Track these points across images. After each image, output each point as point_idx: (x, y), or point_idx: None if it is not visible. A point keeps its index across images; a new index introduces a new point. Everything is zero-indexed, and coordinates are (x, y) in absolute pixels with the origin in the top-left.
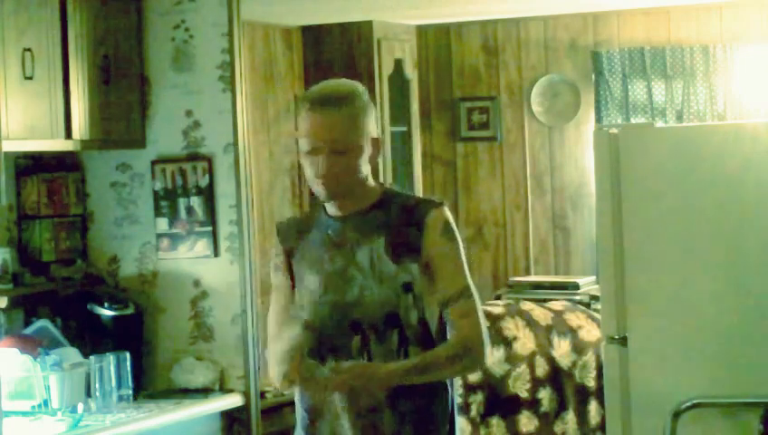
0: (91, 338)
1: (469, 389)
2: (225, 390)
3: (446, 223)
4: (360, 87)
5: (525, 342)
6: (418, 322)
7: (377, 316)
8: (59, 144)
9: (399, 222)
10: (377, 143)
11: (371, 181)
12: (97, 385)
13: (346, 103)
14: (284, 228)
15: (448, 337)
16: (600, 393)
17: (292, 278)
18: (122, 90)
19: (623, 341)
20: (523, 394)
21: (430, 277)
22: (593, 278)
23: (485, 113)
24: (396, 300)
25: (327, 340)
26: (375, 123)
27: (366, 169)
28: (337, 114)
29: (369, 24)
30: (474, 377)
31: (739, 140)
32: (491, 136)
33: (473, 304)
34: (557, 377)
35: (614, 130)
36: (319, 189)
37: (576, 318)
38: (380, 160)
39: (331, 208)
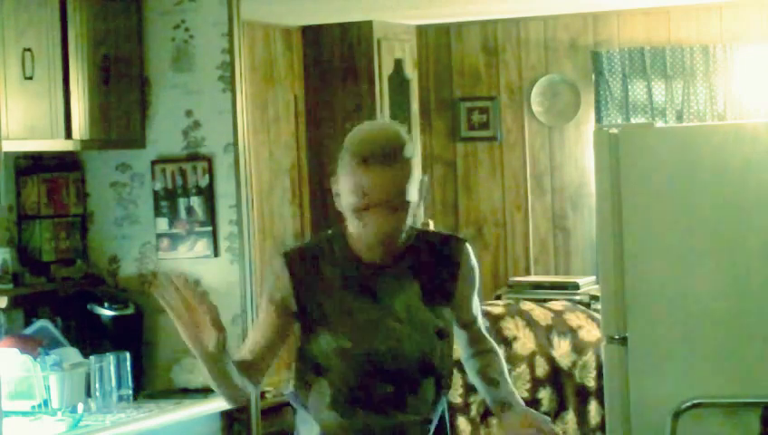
0: (91, 338)
1: (469, 389)
2: None
3: (473, 261)
4: (403, 130)
5: (525, 342)
6: (451, 367)
7: (412, 366)
8: (59, 144)
9: (431, 266)
10: (423, 185)
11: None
12: (97, 385)
13: (401, 156)
14: (296, 259)
15: (473, 350)
16: (600, 393)
17: (289, 315)
18: (122, 90)
19: (623, 341)
20: (523, 394)
21: (456, 310)
22: (593, 278)
23: (485, 113)
24: (430, 348)
25: (355, 391)
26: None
27: (411, 218)
28: (393, 170)
29: (369, 24)
30: None
31: (739, 140)
32: (491, 136)
33: (483, 325)
34: (557, 377)
35: (614, 130)
36: (370, 244)
37: (576, 318)
38: None
39: (365, 253)
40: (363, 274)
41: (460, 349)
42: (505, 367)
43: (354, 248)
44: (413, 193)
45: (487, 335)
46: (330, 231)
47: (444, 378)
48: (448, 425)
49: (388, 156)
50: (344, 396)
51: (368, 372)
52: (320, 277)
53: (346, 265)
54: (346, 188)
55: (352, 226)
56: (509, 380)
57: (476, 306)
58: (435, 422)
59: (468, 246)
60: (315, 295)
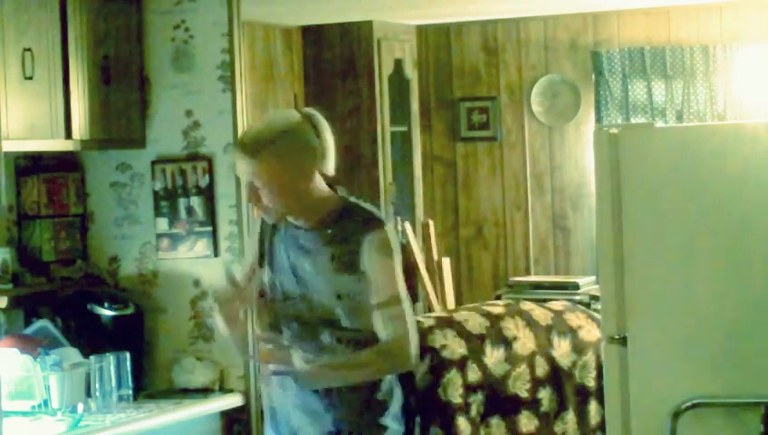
0: (91, 338)
1: (469, 389)
2: (225, 390)
3: (384, 241)
4: (285, 129)
5: (525, 342)
6: (347, 328)
7: (313, 317)
8: (59, 144)
9: (344, 238)
10: (309, 170)
11: (325, 195)
12: (97, 385)
13: (260, 152)
14: (264, 224)
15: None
16: (600, 393)
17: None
18: (122, 90)
19: (623, 341)
20: (523, 394)
21: (367, 288)
22: (593, 278)
23: (485, 113)
24: (330, 306)
25: (277, 319)
26: (313, 156)
27: (307, 192)
28: (254, 162)
29: (369, 24)
30: (473, 377)
31: (739, 140)
32: (491, 136)
33: (400, 311)
34: (557, 377)
35: (614, 130)
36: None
37: (576, 318)
38: (381, 159)
39: (293, 219)
40: (294, 234)
41: None
42: (358, 362)
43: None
44: (284, 178)
45: (391, 327)
46: None
47: (338, 333)
48: (397, 392)
49: (248, 150)
50: (272, 320)
51: (283, 308)
52: (274, 235)
53: (289, 227)
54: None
55: None
56: (351, 357)
57: (384, 291)
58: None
59: (384, 229)
60: (268, 248)
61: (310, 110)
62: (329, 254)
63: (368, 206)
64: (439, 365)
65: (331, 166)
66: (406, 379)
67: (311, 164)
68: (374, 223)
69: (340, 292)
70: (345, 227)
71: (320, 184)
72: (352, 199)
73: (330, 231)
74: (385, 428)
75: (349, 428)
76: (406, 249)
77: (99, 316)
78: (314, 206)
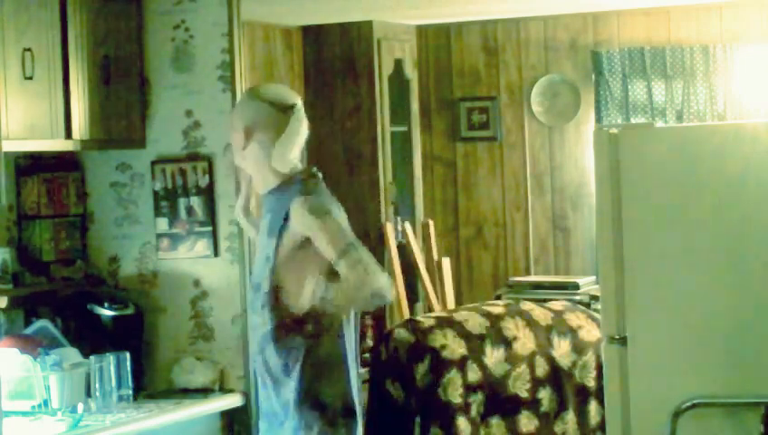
0: (91, 338)
1: (469, 389)
2: (225, 390)
3: (311, 206)
4: (248, 98)
5: (525, 342)
6: (270, 289)
7: (254, 279)
8: (59, 144)
9: (278, 207)
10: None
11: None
12: (97, 385)
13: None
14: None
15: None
16: (600, 393)
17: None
18: (122, 90)
19: (623, 341)
20: (523, 394)
21: (314, 250)
22: (593, 278)
23: (485, 113)
24: (261, 269)
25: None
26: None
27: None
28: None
29: (369, 24)
30: (473, 377)
31: (739, 140)
32: (491, 136)
33: (356, 254)
34: (557, 377)
35: (614, 130)
36: None
37: (576, 318)
38: (381, 159)
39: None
40: (259, 203)
41: None
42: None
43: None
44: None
45: (356, 276)
46: None
47: (266, 294)
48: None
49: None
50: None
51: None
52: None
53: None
54: None
55: None
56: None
57: (328, 251)
58: (264, 330)
59: (308, 198)
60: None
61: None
62: (268, 218)
63: (311, 183)
64: (439, 365)
65: (279, 160)
66: (406, 379)
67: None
68: (297, 193)
69: (267, 254)
70: (281, 195)
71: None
72: (303, 177)
73: (275, 198)
74: (323, 406)
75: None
76: (406, 249)
77: (99, 316)
78: (258, 175)
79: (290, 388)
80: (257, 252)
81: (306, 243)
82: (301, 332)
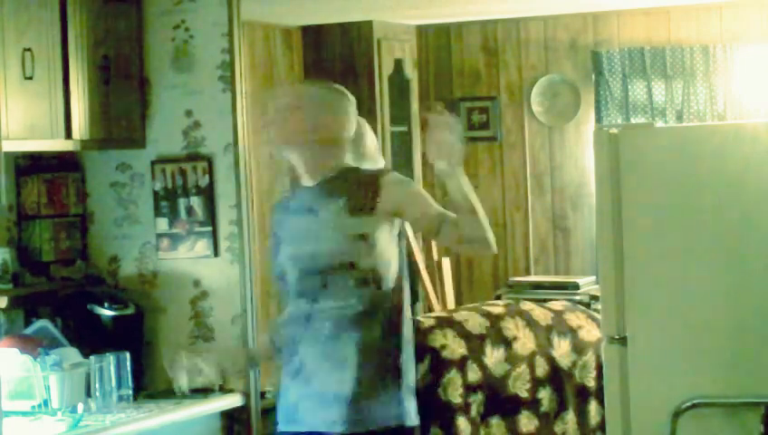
0: (91, 338)
1: (469, 389)
2: (225, 390)
3: (398, 178)
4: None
5: (525, 342)
6: (371, 266)
7: (335, 261)
8: (59, 144)
9: (355, 186)
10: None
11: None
12: (97, 385)
13: None
14: (276, 204)
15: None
16: (600, 393)
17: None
18: (122, 90)
19: (623, 341)
20: (523, 394)
21: (409, 222)
22: (593, 278)
23: (485, 113)
24: (350, 247)
25: (301, 286)
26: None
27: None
28: None
29: (369, 24)
30: (473, 377)
31: (739, 140)
32: (491, 136)
33: (453, 218)
34: (557, 377)
35: (614, 130)
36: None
37: (576, 318)
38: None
39: (306, 180)
40: (304, 196)
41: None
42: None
43: (300, 182)
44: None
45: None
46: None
47: (361, 273)
48: (404, 328)
49: None
50: (295, 291)
51: (301, 269)
52: (287, 211)
53: (299, 194)
54: None
55: None
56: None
57: (435, 212)
58: (357, 309)
59: (392, 173)
60: (282, 223)
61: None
62: (341, 202)
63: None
64: (439, 365)
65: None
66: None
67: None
68: (384, 169)
69: (363, 233)
70: (352, 179)
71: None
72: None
73: (342, 181)
74: (387, 391)
75: (368, 389)
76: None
77: (99, 316)
78: (328, 159)
79: (374, 366)
80: (319, 234)
81: (393, 218)
82: (388, 309)
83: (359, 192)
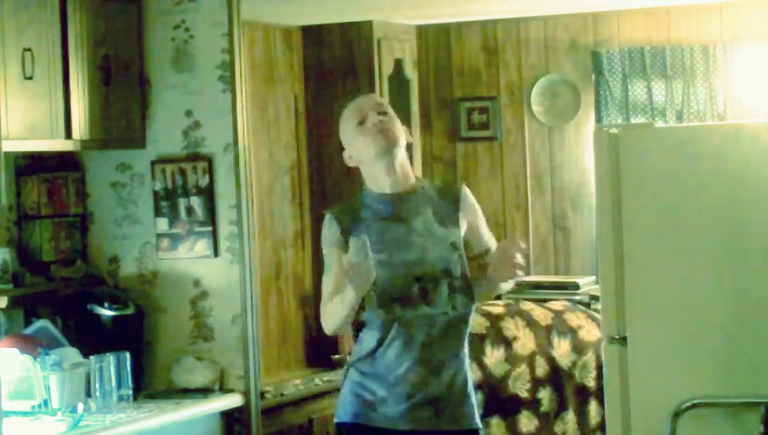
0: (91, 338)
1: None
2: (225, 390)
3: (472, 197)
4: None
5: (525, 342)
6: (461, 274)
7: (434, 270)
8: (59, 144)
9: (437, 198)
10: (407, 135)
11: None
12: (97, 385)
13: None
14: (337, 213)
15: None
16: (600, 393)
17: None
18: (122, 90)
19: (623, 341)
20: (523, 394)
21: (470, 236)
22: (593, 278)
23: (485, 113)
24: (447, 256)
25: (394, 291)
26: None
27: (402, 142)
28: (376, 99)
29: (369, 24)
30: (474, 377)
31: (739, 140)
32: (491, 136)
33: (487, 260)
34: (557, 377)
35: (614, 130)
36: (374, 139)
37: (576, 318)
38: None
39: (385, 186)
40: (390, 204)
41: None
42: None
43: (378, 189)
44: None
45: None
46: (358, 195)
47: (456, 280)
48: (468, 326)
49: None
50: (386, 296)
51: (400, 276)
52: (359, 219)
53: (376, 202)
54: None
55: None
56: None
57: (489, 238)
58: (451, 315)
59: (466, 187)
60: (358, 231)
61: None
62: (429, 212)
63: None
64: None
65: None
66: None
67: (407, 132)
68: (459, 183)
69: (452, 241)
70: (431, 193)
71: None
72: (427, 181)
73: (422, 196)
74: (469, 395)
75: (458, 394)
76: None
77: (99, 316)
78: (406, 170)
79: (454, 370)
80: (415, 241)
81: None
82: (469, 315)
83: (442, 203)
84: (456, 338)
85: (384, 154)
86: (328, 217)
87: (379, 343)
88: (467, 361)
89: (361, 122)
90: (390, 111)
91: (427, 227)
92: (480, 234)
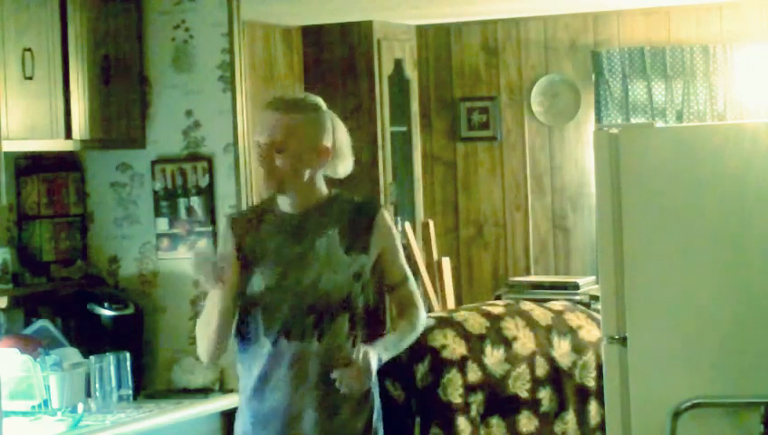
0: (91, 338)
1: (469, 389)
2: (225, 390)
3: (389, 222)
4: (312, 100)
5: (525, 342)
6: (364, 307)
7: (331, 300)
8: (59, 144)
9: (350, 219)
10: (322, 151)
11: (320, 184)
12: (97, 385)
13: (297, 111)
14: (237, 219)
15: (394, 314)
16: (600, 393)
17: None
18: (122, 90)
19: (623, 341)
20: (523, 394)
21: (379, 267)
22: (593, 278)
23: (485, 113)
24: (348, 287)
25: (284, 320)
26: (327, 135)
27: (310, 172)
28: (285, 117)
29: (369, 24)
30: (473, 377)
31: (739, 140)
32: (491, 136)
33: (413, 286)
34: (557, 377)
35: (614, 130)
36: (262, 183)
37: (576, 318)
38: (381, 159)
39: (285, 205)
40: (290, 222)
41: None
42: (404, 336)
43: (280, 203)
44: (303, 146)
45: (413, 303)
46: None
47: (357, 314)
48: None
49: (285, 106)
50: (274, 326)
51: (291, 305)
52: (257, 230)
53: (277, 217)
54: (257, 134)
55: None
56: (390, 340)
57: (400, 271)
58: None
59: (384, 211)
60: (253, 244)
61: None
62: (335, 235)
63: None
64: (439, 365)
65: (340, 168)
66: (406, 379)
67: (326, 149)
68: (377, 205)
69: (356, 271)
70: (347, 209)
71: (321, 177)
72: (344, 192)
73: (330, 211)
74: (376, 430)
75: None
76: (406, 249)
77: (99, 316)
78: (313, 189)
79: (363, 418)
80: (312, 266)
81: (375, 260)
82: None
83: (354, 225)
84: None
85: (278, 193)
86: (224, 223)
87: (264, 379)
88: (376, 399)
89: (259, 146)
90: (297, 136)
91: (330, 251)
92: (389, 266)
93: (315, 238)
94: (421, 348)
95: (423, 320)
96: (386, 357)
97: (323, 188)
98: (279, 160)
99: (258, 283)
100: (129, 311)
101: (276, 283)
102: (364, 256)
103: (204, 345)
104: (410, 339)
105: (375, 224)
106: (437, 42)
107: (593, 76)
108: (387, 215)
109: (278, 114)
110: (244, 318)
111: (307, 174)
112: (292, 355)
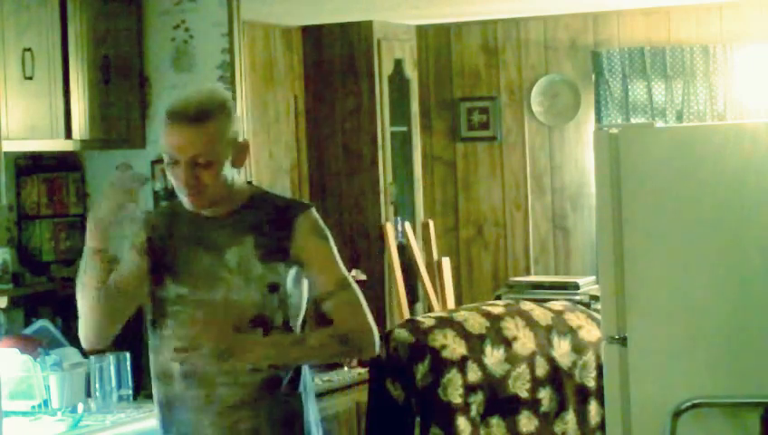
0: None
1: (469, 389)
2: None
3: (315, 224)
4: (220, 97)
5: (525, 342)
6: (283, 323)
7: (243, 316)
8: (59, 144)
9: (268, 224)
10: (243, 148)
11: (239, 183)
12: (97, 385)
13: (205, 119)
14: (152, 219)
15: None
16: (600, 393)
17: (144, 261)
18: (122, 90)
19: (623, 341)
20: (523, 394)
21: (306, 276)
22: (593, 278)
23: (485, 113)
24: (262, 301)
25: (190, 335)
26: (240, 128)
27: (231, 174)
28: (195, 130)
29: (369, 24)
30: (473, 377)
31: (739, 140)
32: (491, 136)
33: (353, 295)
34: (557, 377)
35: (614, 130)
36: (185, 200)
37: (576, 318)
38: (381, 159)
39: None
40: (201, 227)
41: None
42: (325, 349)
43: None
44: (220, 152)
45: (351, 314)
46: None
47: (274, 329)
48: (307, 379)
49: (191, 116)
50: (181, 340)
51: (203, 320)
52: (170, 232)
53: (189, 220)
54: (163, 149)
55: (173, 182)
56: (297, 336)
57: (334, 278)
58: (266, 375)
59: (313, 211)
60: (164, 248)
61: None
62: (251, 242)
63: (283, 194)
64: (439, 365)
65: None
66: (406, 379)
67: (246, 145)
68: (300, 206)
69: (272, 282)
70: (266, 213)
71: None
72: (265, 189)
73: (247, 216)
74: None
75: None
76: (406, 249)
77: None
78: (231, 192)
79: None
80: (227, 279)
81: (297, 269)
82: (297, 369)
83: (273, 229)
84: (278, 398)
85: (195, 210)
86: (140, 221)
87: (168, 401)
88: (312, 413)
89: (175, 162)
90: (220, 145)
91: (243, 261)
92: (317, 273)
93: (227, 247)
94: (421, 348)
95: (369, 337)
96: (283, 362)
97: (244, 187)
98: (205, 176)
99: (169, 291)
100: None
101: (187, 294)
102: (282, 265)
103: (84, 315)
104: (337, 353)
105: (295, 227)
106: (437, 42)
107: (593, 76)
108: (313, 216)
109: (192, 127)
110: (155, 322)
111: (232, 178)
112: (203, 375)
